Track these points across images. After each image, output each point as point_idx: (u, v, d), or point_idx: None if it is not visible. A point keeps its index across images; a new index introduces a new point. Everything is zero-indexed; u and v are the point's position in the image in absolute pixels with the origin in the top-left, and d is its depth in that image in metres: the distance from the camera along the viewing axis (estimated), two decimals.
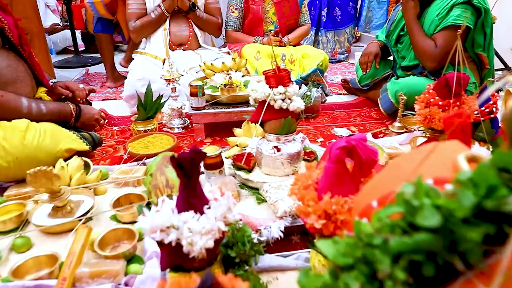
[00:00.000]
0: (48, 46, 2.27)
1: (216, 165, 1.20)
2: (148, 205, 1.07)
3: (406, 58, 2.00)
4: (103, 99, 2.38)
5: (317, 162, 1.07)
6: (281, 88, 1.09)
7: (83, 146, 1.42)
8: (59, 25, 3.71)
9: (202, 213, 0.69)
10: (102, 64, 3.42)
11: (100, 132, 1.80)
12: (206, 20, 2.30)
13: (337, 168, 0.70)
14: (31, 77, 1.54)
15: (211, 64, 1.88)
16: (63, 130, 1.39)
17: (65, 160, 1.28)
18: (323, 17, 3.29)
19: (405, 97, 1.67)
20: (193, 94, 1.63)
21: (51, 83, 1.66)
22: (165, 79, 1.76)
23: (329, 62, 3.42)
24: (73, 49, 3.53)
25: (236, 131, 1.44)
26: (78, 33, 3.85)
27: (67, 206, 1.07)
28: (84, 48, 3.88)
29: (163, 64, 2.17)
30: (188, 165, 0.67)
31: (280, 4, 2.32)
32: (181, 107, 1.81)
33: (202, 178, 1.26)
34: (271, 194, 1.05)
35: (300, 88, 2.11)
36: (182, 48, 2.30)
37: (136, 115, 1.67)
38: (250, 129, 1.40)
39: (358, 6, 3.55)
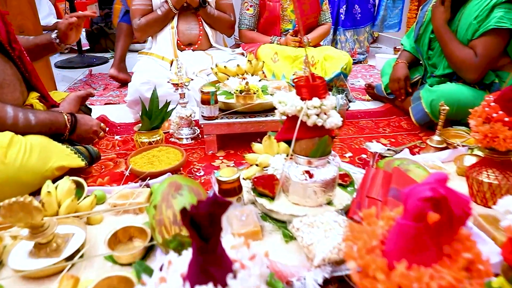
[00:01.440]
0: None
1: (233, 191, 1.00)
2: (151, 244, 0.87)
3: (439, 67, 1.78)
4: (106, 103, 2.19)
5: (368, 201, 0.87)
6: (316, 101, 0.88)
7: (78, 162, 1.23)
8: None
9: (223, 285, 0.49)
10: (107, 64, 3.25)
11: (100, 143, 1.60)
12: (218, 18, 2.10)
13: (418, 228, 0.49)
14: (20, 81, 1.35)
15: (225, 67, 1.68)
16: (55, 144, 1.20)
17: (56, 179, 1.09)
18: (341, 15, 3.08)
19: (447, 108, 1.45)
20: (204, 102, 1.42)
21: (53, 35, 1.49)
22: (173, 84, 1.56)
23: None
24: (77, 48, 3.35)
25: (255, 146, 1.23)
26: (82, 31, 3.67)
27: (53, 243, 0.88)
28: (88, 47, 3.69)
29: (171, 65, 1.98)
30: (206, 223, 0.46)
31: (300, 1, 2.11)
32: (190, 115, 1.61)
33: None
34: (303, 234, 0.84)
35: None
36: (191, 48, 2.10)
37: (140, 125, 1.48)
38: (272, 145, 1.19)
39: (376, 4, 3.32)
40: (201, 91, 1.42)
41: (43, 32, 3.44)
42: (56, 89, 2.23)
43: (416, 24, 1.93)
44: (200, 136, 1.66)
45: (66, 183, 1.04)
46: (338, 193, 1.03)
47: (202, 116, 1.46)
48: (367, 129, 1.79)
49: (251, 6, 2.15)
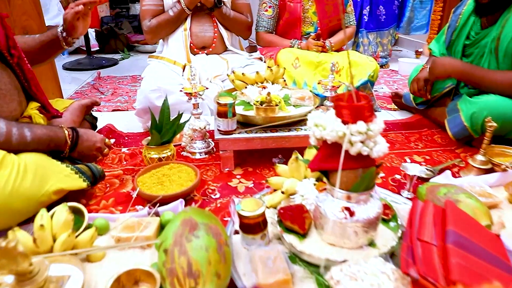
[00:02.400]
0: None
1: (257, 227, 0.85)
2: None
3: None
4: (113, 110, 2.06)
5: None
6: (361, 125, 0.72)
7: (80, 184, 1.09)
8: None
9: None
10: (116, 66, 3.13)
11: (105, 158, 1.46)
12: (234, 19, 1.95)
13: None
14: (18, 90, 1.21)
15: (243, 74, 1.52)
16: (53, 164, 1.06)
17: (52, 205, 0.95)
18: (364, 17, 2.90)
19: (494, 124, 1.28)
20: (221, 114, 1.28)
21: (59, 29, 1.33)
22: (186, 93, 1.41)
23: None
24: (85, 49, 3.23)
25: (280, 168, 1.08)
26: (92, 32, 3.56)
27: None
28: (98, 48, 3.57)
29: (183, 70, 1.83)
30: None
31: (322, 1, 1.95)
32: (204, 127, 1.46)
33: (235, 241, 0.91)
34: None
35: None
36: (205, 51, 1.95)
37: (149, 138, 1.33)
38: (299, 168, 1.04)
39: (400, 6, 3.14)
40: (217, 103, 1.27)
41: None
42: (62, 93, 2.11)
43: (448, 29, 1.75)
44: (214, 149, 1.51)
45: (63, 213, 0.90)
46: (379, 230, 0.87)
47: (218, 130, 1.31)
48: (398, 144, 1.63)
49: (270, 7, 1.99)
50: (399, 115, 2.02)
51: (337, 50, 2.07)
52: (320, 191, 0.87)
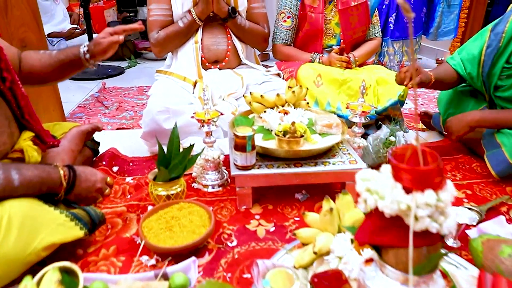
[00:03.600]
0: None
1: None
2: None
3: None
4: (117, 128, 1.90)
5: None
6: (430, 196, 0.56)
7: (76, 233, 0.93)
8: (78, 29, 3.29)
9: None
10: (122, 75, 2.98)
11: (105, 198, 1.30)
12: (250, 30, 1.79)
13: None
14: (10, 119, 1.06)
15: (261, 96, 1.36)
16: (44, 211, 0.91)
17: (43, 262, 0.80)
18: (390, 25, 2.73)
19: None
20: (239, 148, 1.11)
21: (84, 50, 1.22)
22: (198, 120, 1.25)
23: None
24: None
25: (309, 218, 0.92)
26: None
27: None
28: None
29: (194, 87, 1.67)
30: None
31: (346, 11, 1.78)
32: (218, 157, 1.30)
33: None
34: None
35: (377, 126, 1.57)
36: (218, 66, 1.79)
37: (156, 171, 1.18)
38: (333, 221, 0.88)
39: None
40: (235, 134, 1.10)
41: (54, 39, 3.20)
42: (62, 108, 1.96)
43: (487, 49, 1.51)
44: (229, 181, 1.35)
45: (52, 278, 0.75)
46: None
47: (235, 164, 1.15)
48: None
49: (288, 17, 1.82)
50: (428, 136, 1.85)
51: (361, 64, 1.90)
52: (366, 263, 0.70)
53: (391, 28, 2.73)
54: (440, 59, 3.27)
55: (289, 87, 1.45)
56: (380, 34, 1.94)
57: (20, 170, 0.90)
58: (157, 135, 1.52)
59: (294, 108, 1.37)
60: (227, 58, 1.78)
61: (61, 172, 0.98)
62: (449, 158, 1.58)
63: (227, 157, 1.44)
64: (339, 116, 1.63)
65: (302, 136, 1.15)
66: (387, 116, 1.69)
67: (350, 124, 1.60)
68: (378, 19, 1.92)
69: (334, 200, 0.93)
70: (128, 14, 4.77)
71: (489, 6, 3.17)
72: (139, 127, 1.90)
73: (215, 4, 1.66)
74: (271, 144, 1.18)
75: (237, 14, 1.73)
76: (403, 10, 0.49)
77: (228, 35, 1.77)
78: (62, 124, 1.40)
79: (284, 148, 1.14)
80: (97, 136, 1.46)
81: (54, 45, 3.14)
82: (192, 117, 1.25)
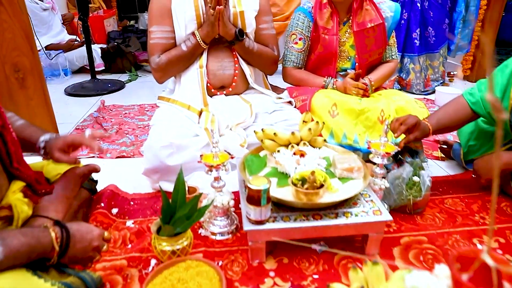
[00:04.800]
0: (46, 87, 1.69)
1: None
2: None
3: None
4: (117, 157, 1.78)
5: None
6: None
7: None
8: (77, 40, 3.17)
9: None
10: (123, 90, 2.87)
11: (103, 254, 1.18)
12: (258, 53, 1.67)
13: None
14: None
15: (274, 133, 1.25)
16: (33, 284, 0.79)
17: None
18: (415, 41, 2.64)
19: None
20: (253, 201, 1.00)
21: (40, 145, 1.07)
22: (206, 165, 1.13)
23: (420, 95, 2.79)
24: (89, 70, 2.96)
25: (354, 276, 0.81)
26: (97, 49, 3.30)
27: None
28: (103, 68, 3.31)
29: (199, 117, 1.56)
30: None
31: (362, 33, 1.66)
32: (228, 203, 1.19)
33: None
34: None
35: (397, 163, 1.45)
36: (224, 92, 1.68)
37: (159, 221, 1.06)
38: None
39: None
40: (248, 187, 0.99)
41: (52, 52, 3.08)
42: (58, 131, 1.83)
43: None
44: (239, 227, 1.24)
45: None
46: None
47: (248, 218, 1.04)
48: (459, 216, 1.34)
49: (300, 39, 1.70)
50: (448, 167, 1.73)
51: (377, 88, 1.78)
52: None
53: (417, 45, 2.63)
54: (452, 73, 3.15)
55: (304, 121, 1.33)
56: (397, 56, 1.82)
57: (4, 241, 0.78)
58: (160, 172, 1.41)
59: (310, 144, 1.25)
60: (234, 84, 1.66)
61: (52, 234, 0.86)
62: (474, 196, 1.47)
63: (236, 194, 1.33)
64: (356, 149, 1.52)
65: (322, 185, 1.04)
66: (406, 147, 1.57)
67: (367, 157, 1.49)
68: (395, 40, 1.80)
69: (360, 264, 0.82)
70: (128, 23, 4.67)
71: None
72: (140, 155, 1.78)
73: (221, 26, 1.54)
74: (288, 195, 1.06)
75: (244, 36, 1.61)
76: (493, 109, 0.38)
77: (235, 59, 1.65)
78: (55, 166, 1.27)
79: (302, 200, 1.03)
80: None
81: (52, 58, 3.02)
82: (199, 161, 1.12)
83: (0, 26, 1.54)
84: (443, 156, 1.81)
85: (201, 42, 1.56)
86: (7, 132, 0.99)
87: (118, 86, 2.90)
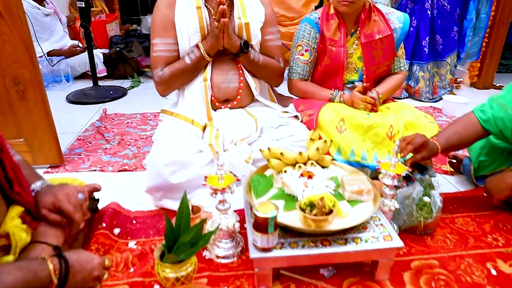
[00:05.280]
0: (47, 99, 1.65)
1: None
2: None
3: None
4: (119, 170, 1.75)
5: None
6: None
7: None
8: (79, 46, 3.14)
9: None
10: (125, 97, 2.82)
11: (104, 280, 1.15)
12: (264, 65, 1.63)
13: None
14: None
15: (281, 153, 1.21)
16: None
17: None
18: (425, 49, 2.61)
19: None
20: (259, 228, 0.96)
21: (34, 192, 1.03)
22: (211, 188, 1.09)
23: (428, 102, 2.77)
24: (91, 75, 2.93)
25: None
26: (99, 53, 3.26)
27: None
28: (105, 74, 3.28)
29: (203, 132, 1.52)
30: None
31: (370, 45, 1.62)
32: (233, 225, 1.15)
33: None
34: None
35: (406, 179, 1.42)
36: (228, 105, 1.64)
37: (162, 246, 1.03)
38: None
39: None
40: (255, 215, 0.95)
41: (54, 58, 3.04)
42: (59, 144, 1.79)
43: None
44: (244, 248, 1.20)
45: None
46: None
47: (254, 245, 1.00)
48: (471, 238, 1.30)
49: (306, 50, 1.66)
50: (458, 182, 1.69)
51: (385, 101, 1.74)
52: None
53: (427, 53, 2.60)
54: (458, 79, 3.11)
55: (311, 139, 1.30)
56: (406, 67, 1.78)
57: None
58: (164, 189, 1.38)
59: (317, 162, 1.22)
60: (239, 97, 1.62)
61: (50, 267, 0.83)
62: (485, 215, 1.42)
63: (241, 212, 1.29)
64: (364, 166, 1.49)
65: (331, 211, 1.00)
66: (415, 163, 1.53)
67: (375, 173, 1.45)
68: (404, 51, 1.76)
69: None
70: (131, 27, 4.64)
71: None
72: (142, 168, 1.75)
73: (226, 38, 1.50)
74: (295, 220, 1.02)
75: (250, 48, 1.57)
76: None
77: (240, 71, 1.62)
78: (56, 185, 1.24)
79: (311, 226, 0.99)
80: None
81: (54, 65, 2.98)
82: (204, 184, 1.09)
83: (0, 38, 1.50)
84: (452, 170, 1.77)
85: (205, 54, 1.52)
86: (6, 156, 0.96)
87: (121, 93, 2.86)
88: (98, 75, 2.99)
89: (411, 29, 2.58)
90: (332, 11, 1.63)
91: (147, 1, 6.07)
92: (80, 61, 3.14)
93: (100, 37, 3.65)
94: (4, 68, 1.55)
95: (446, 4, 2.53)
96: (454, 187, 1.65)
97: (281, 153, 1.21)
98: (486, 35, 2.88)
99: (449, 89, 2.80)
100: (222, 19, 1.41)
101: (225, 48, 1.55)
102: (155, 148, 1.44)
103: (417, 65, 2.67)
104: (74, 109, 2.63)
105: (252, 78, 1.65)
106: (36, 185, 1.06)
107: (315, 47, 1.67)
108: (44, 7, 3.19)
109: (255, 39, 1.59)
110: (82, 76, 3.28)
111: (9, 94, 1.60)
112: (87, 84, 3.02)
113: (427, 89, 2.71)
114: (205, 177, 1.12)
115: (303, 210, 1.01)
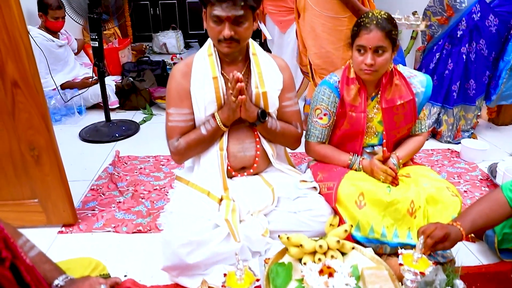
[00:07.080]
0: (62, 163, 1.64)
1: None
2: None
3: None
4: (134, 232, 1.73)
5: None
6: None
7: None
8: (92, 77, 3.14)
9: None
10: (136, 135, 2.79)
11: None
12: (281, 133, 1.59)
13: None
14: None
15: (300, 245, 1.18)
16: None
17: None
18: (454, 94, 2.56)
19: None
20: None
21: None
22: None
23: (449, 143, 2.72)
24: (104, 109, 2.91)
25: None
26: (111, 84, 3.26)
27: None
28: (117, 105, 3.27)
29: (220, 204, 1.49)
30: None
31: (391, 110, 1.58)
32: None
33: None
34: None
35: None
36: (245, 173, 1.61)
37: None
38: None
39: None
40: None
41: (68, 92, 3.02)
42: (72, 199, 1.76)
43: None
44: None
45: None
46: None
47: None
48: None
49: (325, 114, 1.62)
50: (479, 252, 1.63)
51: (405, 164, 1.69)
52: None
53: (455, 97, 2.55)
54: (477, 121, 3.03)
55: (330, 224, 1.27)
56: (427, 128, 1.73)
57: None
58: (180, 268, 1.36)
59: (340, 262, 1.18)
60: (255, 165, 1.59)
61: None
62: None
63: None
64: (383, 243, 1.45)
65: None
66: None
67: (394, 250, 1.41)
68: (426, 113, 1.71)
69: None
70: (144, 46, 4.65)
71: None
72: (156, 229, 1.73)
73: (243, 110, 1.47)
74: None
75: (267, 118, 1.53)
76: None
77: (257, 139, 1.58)
78: (73, 269, 1.22)
79: None
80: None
81: (68, 100, 2.98)
82: (223, 286, 1.06)
83: (16, 107, 1.50)
84: (473, 236, 1.72)
85: (221, 125, 1.49)
86: (20, 262, 0.94)
87: (133, 130, 2.85)
88: (110, 107, 2.98)
89: (446, 72, 2.53)
90: (352, 75, 1.59)
91: (159, 19, 6.11)
92: (93, 93, 3.14)
93: (113, 63, 3.64)
94: (20, 135, 1.55)
95: (484, 49, 2.46)
96: (476, 258, 1.60)
97: (301, 245, 1.18)
98: None
99: (471, 132, 2.73)
100: (240, 96, 1.37)
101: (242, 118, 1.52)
102: (171, 223, 1.42)
103: (443, 109, 2.63)
104: (87, 148, 2.62)
105: (269, 145, 1.61)
106: (59, 280, 1.04)
107: (334, 111, 1.63)
108: (58, 38, 3.20)
109: (273, 107, 1.56)
110: (94, 107, 3.28)
111: (24, 158, 1.60)
112: (100, 116, 3.01)
113: (449, 133, 2.65)
114: (224, 274, 1.09)
115: None
